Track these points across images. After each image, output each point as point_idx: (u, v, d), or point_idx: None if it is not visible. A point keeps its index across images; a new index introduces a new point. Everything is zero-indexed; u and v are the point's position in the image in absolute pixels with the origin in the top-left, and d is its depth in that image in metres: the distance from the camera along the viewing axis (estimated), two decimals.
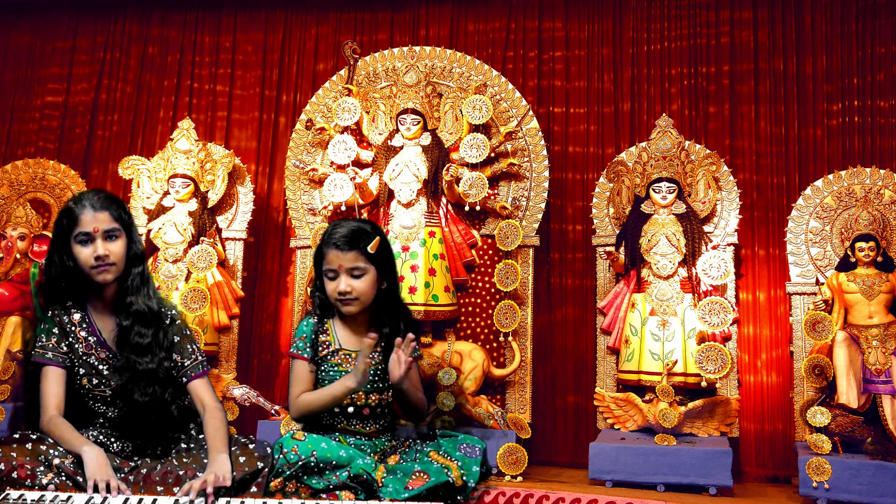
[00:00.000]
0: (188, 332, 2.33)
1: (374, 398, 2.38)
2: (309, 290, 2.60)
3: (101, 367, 2.20)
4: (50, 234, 3.93)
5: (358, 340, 2.40)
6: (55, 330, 2.20)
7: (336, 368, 2.39)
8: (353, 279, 2.34)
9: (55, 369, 2.17)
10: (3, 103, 4.71)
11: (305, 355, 2.39)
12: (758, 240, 3.83)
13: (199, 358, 2.31)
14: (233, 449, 2.12)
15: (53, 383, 2.16)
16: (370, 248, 2.35)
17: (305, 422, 2.42)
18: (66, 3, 4.74)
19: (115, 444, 2.20)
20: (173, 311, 2.31)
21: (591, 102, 4.16)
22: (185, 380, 2.26)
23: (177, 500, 1.92)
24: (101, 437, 2.20)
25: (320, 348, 2.40)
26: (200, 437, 2.22)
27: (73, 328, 2.20)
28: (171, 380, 2.25)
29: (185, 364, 2.27)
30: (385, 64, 3.92)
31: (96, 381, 2.20)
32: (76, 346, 2.20)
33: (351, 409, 2.37)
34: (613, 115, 4.12)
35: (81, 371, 2.20)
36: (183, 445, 2.21)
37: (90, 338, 2.21)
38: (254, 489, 2.05)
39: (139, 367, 2.18)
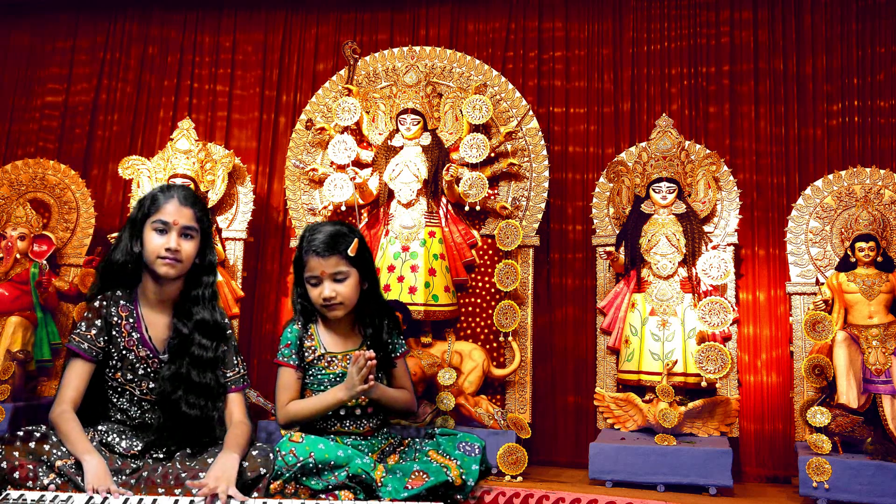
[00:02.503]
0: (235, 344, 2.32)
1: (362, 398, 2.38)
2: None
3: (137, 365, 2.16)
4: (50, 234, 3.95)
5: (342, 343, 2.40)
6: (98, 322, 2.15)
7: (324, 372, 2.39)
8: (336, 283, 2.34)
9: (84, 363, 2.13)
10: (3, 103, 4.71)
11: (291, 362, 2.39)
12: (758, 240, 3.83)
13: (241, 371, 2.29)
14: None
15: (76, 376, 2.12)
16: (350, 252, 2.34)
17: (294, 427, 2.41)
18: (66, 3, 4.74)
19: (122, 444, 2.17)
20: (228, 322, 2.30)
21: (591, 102, 4.16)
22: (222, 391, 2.24)
23: (177, 500, 1.92)
24: (111, 433, 2.17)
25: (306, 354, 2.40)
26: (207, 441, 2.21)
27: (119, 320, 2.16)
28: (220, 394, 2.22)
29: (228, 376, 2.25)
30: (385, 64, 3.92)
31: (130, 377, 2.16)
32: (118, 338, 2.16)
33: (342, 412, 2.37)
34: (613, 115, 4.12)
35: (118, 365, 2.16)
36: (188, 450, 2.19)
37: (134, 334, 2.17)
38: (255, 494, 2.04)
39: (194, 380, 2.15)
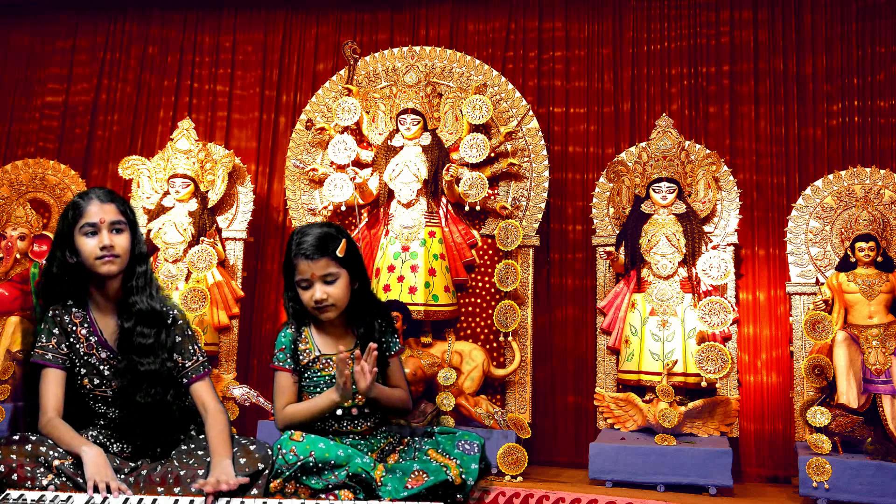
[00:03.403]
0: (190, 333, 2.31)
1: (359, 397, 2.38)
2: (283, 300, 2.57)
3: (101, 367, 2.19)
4: (50, 234, 3.95)
5: (336, 344, 2.39)
6: (55, 330, 2.18)
7: (320, 374, 2.38)
8: (327, 286, 2.33)
9: (55, 371, 2.16)
10: (3, 103, 4.71)
11: (287, 366, 2.38)
12: (758, 240, 3.83)
13: (201, 359, 2.29)
14: (234, 451, 2.12)
15: (53, 384, 2.15)
16: (339, 252, 2.34)
17: (293, 429, 2.41)
18: (66, 3, 4.74)
19: (115, 445, 2.19)
20: (175, 311, 2.30)
21: (591, 102, 4.16)
22: (185, 381, 2.24)
23: (177, 501, 1.92)
24: (100, 437, 2.19)
25: (301, 357, 2.39)
26: (201, 436, 2.21)
27: (73, 328, 2.19)
28: (172, 381, 2.23)
29: (187, 365, 2.26)
30: (385, 64, 3.92)
31: (97, 382, 2.19)
32: (77, 346, 2.19)
33: (339, 412, 2.36)
34: (613, 115, 4.12)
35: (82, 371, 2.19)
36: (184, 447, 2.19)
37: (91, 337, 2.20)
38: (254, 491, 2.04)
39: (141, 369, 2.16)
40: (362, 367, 2.27)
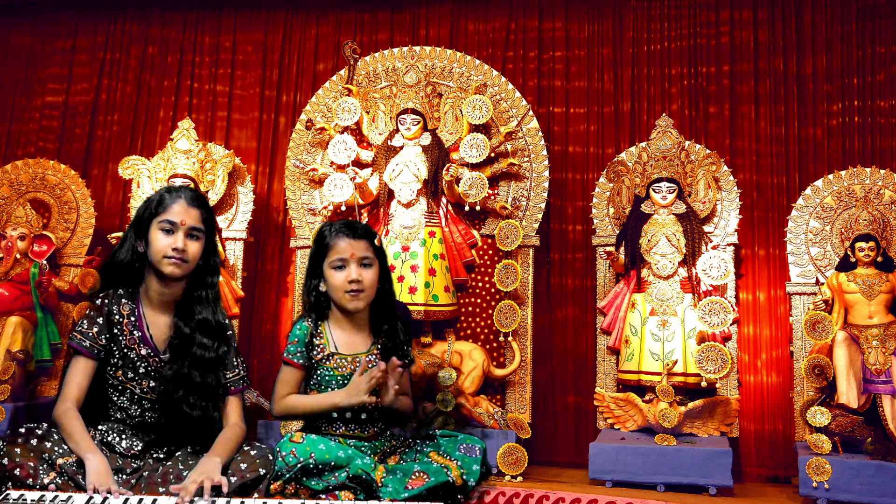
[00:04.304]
0: (236, 346, 2.32)
1: (368, 402, 2.37)
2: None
3: (139, 363, 2.17)
4: (50, 234, 3.95)
5: (353, 344, 2.39)
6: (99, 319, 2.16)
7: (332, 373, 2.37)
8: (362, 268, 2.34)
9: (86, 360, 2.14)
10: (3, 103, 4.71)
11: (296, 360, 2.38)
12: (758, 240, 3.83)
13: (241, 373, 2.29)
14: (235, 456, 2.11)
15: (79, 373, 2.13)
16: (377, 241, 2.38)
17: (287, 420, 2.42)
18: (66, 3, 4.74)
19: (124, 442, 2.17)
20: (229, 323, 2.30)
21: (591, 102, 4.16)
22: (222, 391, 2.24)
23: (177, 501, 1.92)
24: (111, 433, 2.17)
25: (315, 352, 2.38)
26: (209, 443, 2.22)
27: (120, 318, 2.17)
28: (220, 394, 2.23)
29: (228, 376, 2.25)
30: (385, 64, 3.92)
31: (131, 376, 2.16)
32: (120, 336, 2.16)
33: (349, 415, 2.36)
34: (613, 115, 4.12)
35: (119, 363, 2.16)
36: (188, 449, 2.19)
37: (136, 332, 2.17)
38: (255, 495, 2.04)
39: (196, 380, 2.15)
40: (388, 382, 2.27)
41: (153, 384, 2.18)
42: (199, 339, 2.18)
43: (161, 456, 2.18)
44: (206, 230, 2.19)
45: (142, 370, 2.17)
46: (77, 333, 2.15)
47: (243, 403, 2.30)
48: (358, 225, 2.42)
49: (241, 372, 2.29)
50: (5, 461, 1.92)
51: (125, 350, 2.16)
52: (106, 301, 2.18)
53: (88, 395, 2.14)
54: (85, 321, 2.16)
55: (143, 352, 2.17)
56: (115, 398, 2.19)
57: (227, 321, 2.28)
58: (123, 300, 2.19)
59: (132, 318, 2.18)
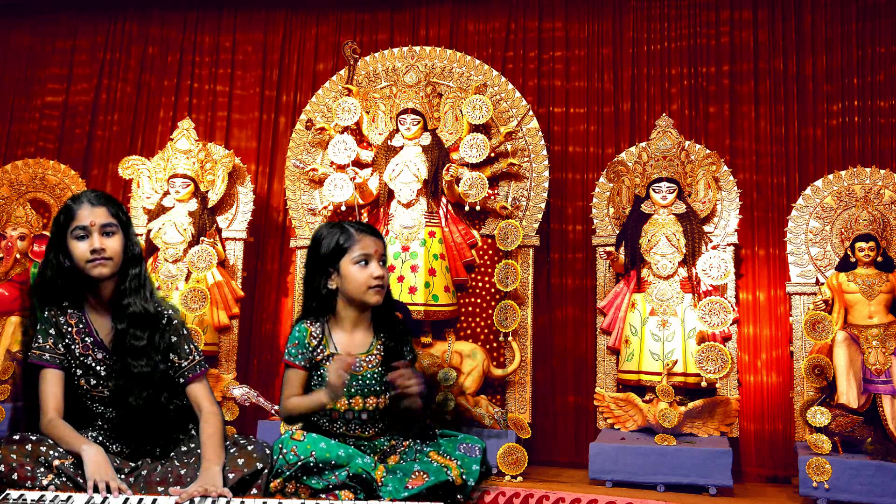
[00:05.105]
0: (186, 332, 2.30)
1: (371, 402, 2.38)
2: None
3: (98, 368, 2.19)
4: (49, 234, 3.95)
5: (353, 343, 2.40)
6: (52, 331, 2.18)
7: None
8: (382, 267, 2.38)
9: (53, 371, 2.16)
10: (3, 103, 4.71)
11: (297, 362, 2.38)
12: (758, 240, 3.83)
13: (197, 358, 2.29)
14: (232, 451, 2.11)
15: (52, 384, 2.15)
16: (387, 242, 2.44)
17: (296, 423, 2.43)
18: (66, 3, 4.74)
19: (114, 445, 2.19)
20: (170, 311, 2.29)
21: (591, 102, 4.16)
22: (182, 381, 2.24)
23: (177, 501, 1.91)
24: (99, 437, 2.19)
25: (316, 353, 2.39)
26: (187, 436, 2.22)
27: (69, 329, 2.19)
28: (167, 382, 2.23)
29: (183, 365, 2.25)
30: (385, 64, 3.92)
31: (94, 382, 2.19)
32: (73, 346, 2.19)
33: (350, 415, 2.36)
34: (613, 115, 4.12)
35: (79, 372, 2.19)
36: (184, 447, 2.19)
37: (87, 339, 2.20)
38: (254, 491, 2.04)
39: (134, 371, 2.16)
40: (406, 384, 2.31)
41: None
42: (131, 331, 2.19)
43: (157, 454, 2.19)
44: (119, 224, 2.20)
45: (103, 374, 2.19)
46: (34, 350, 2.18)
47: (208, 386, 2.29)
48: (372, 226, 2.48)
49: (197, 357, 2.28)
50: (2, 466, 1.92)
51: (81, 358, 2.19)
52: (52, 312, 2.20)
53: (68, 408, 2.16)
54: (38, 336, 2.19)
55: (99, 356, 2.19)
56: (90, 406, 2.21)
57: (161, 309, 2.26)
58: (69, 310, 2.21)
59: (80, 325, 2.20)
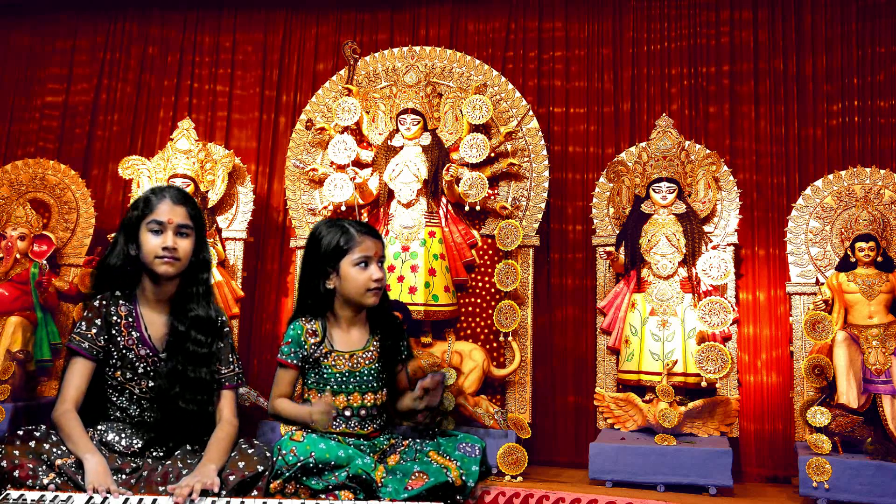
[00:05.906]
0: (231, 342, 2.33)
1: (369, 398, 2.39)
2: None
3: (137, 363, 2.18)
4: (50, 234, 3.95)
5: (349, 341, 2.41)
6: (97, 321, 2.16)
7: (330, 370, 2.38)
8: (381, 269, 2.38)
9: (85, 361, 2.14)
10: (3, 103, 4.71)
11: (290, 361, 2.39)
12: (758, 240, 3.83)
13: (236, 369, 2.31)
14: (232, 454, 2.11)
15: (78, 375, 2.14)
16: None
17: (278, 421, 2.46)
18: (66, 3, 4.74)
19: (122, 442, 2.17)
20: (224, 318, 2.32)
21: (591, 102, 4.16)
22: (216, 387, 2.25)
23: (176, 501, 1.91)
24: (110, 432, 2.18)
25: (313, 351, 2.39)
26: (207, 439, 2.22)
27: (118, 320, 2.17)
28: (214, 388, 2.24)
29: (222, 372, 2.26)
30: (385, 64, 3.92)
31: (129, 376, 2.17)
32: (118, 338, 2.17)
33: (348, 413, 2.37)
34: (613, 115, 4.12)
35: (118, 364, 2.17)
36: (188, 447, 2.19)
37: (134, 332, 2.18)
38: (255, 493, 2.04)
39: (190, 375, 2.16)
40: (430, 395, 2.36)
41: (152, 384, 2.19)
42: (193, 336, 2.19)
43: (160, 454, 2.19)
44: (194, 227, 2.20)
45: (140, 370, 2.18)
46: (76, 335, 2.16)
47: (237, 399, 2.30)
48: (371, 226, 2.49)
49: (237, 369, 2.30)
50: (4, 463, 1.92)
51: (123, 351, 2.17)
52: (103, 302, 2.19)
53: (87, 395, 2.15)
54: (83, 323, 2.17)
55: (142, 352, 2.18)
56: (115, 398, 2.19)
57: (221, 317, 2.29)
58: (121, 301, 2.20)
59: (130, 319, 2.19)
